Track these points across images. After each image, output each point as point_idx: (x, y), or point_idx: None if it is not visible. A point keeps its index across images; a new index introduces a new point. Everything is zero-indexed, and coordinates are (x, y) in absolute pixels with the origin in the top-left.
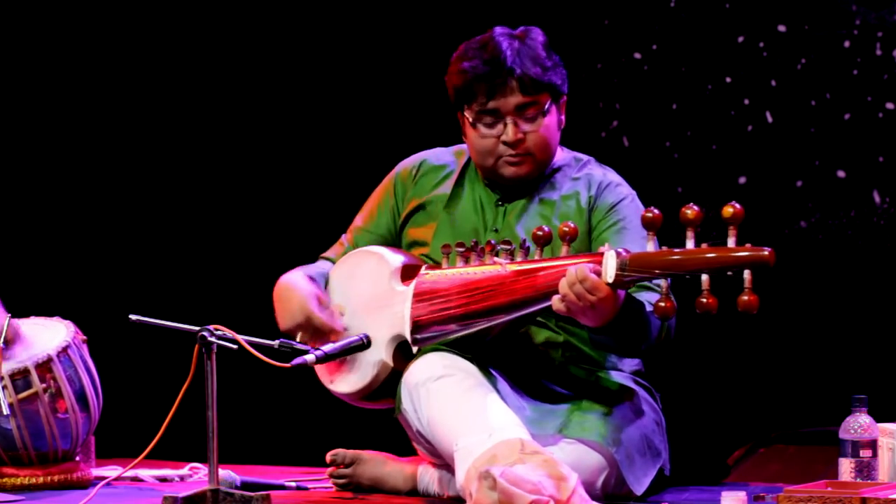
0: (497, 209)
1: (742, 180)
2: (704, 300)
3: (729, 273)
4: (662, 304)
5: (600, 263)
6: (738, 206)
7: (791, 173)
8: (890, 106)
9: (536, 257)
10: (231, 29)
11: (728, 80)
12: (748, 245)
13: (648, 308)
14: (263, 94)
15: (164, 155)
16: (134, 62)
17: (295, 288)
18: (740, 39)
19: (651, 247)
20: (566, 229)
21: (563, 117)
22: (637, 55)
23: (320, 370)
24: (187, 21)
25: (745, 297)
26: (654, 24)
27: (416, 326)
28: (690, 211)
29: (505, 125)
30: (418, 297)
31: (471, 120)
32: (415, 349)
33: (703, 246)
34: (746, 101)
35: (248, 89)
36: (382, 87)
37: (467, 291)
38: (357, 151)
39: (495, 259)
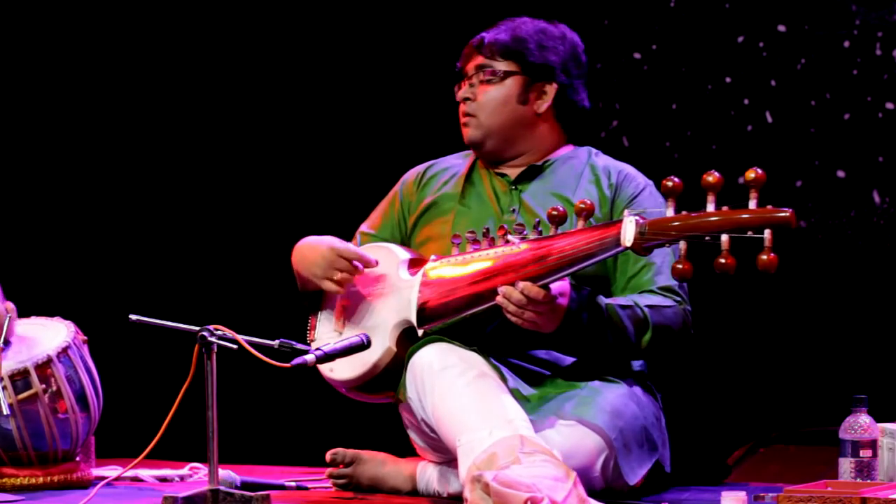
0: (512, 192)
1: (742, 180)
2: (723, 260)
3: (750, 233)
4: (680, 265)
5: (617, 232)
6: (759, 170)
7: (791, 173)
8: (890, 106)
9: (551, 234)
10: (234, 29)
11: (728, 80)
12: (769, 206)
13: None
14: (265, 96)
15: (165, 155)
16: (134, 62)
17: (313, 239)
18: (740, 39)
19: (670, 213)
20: (582, 205)
21: (539, 104)
22: (637, 55)
23: None
24: (189, 21)
25: (765, 257)
26: (654, 24)
27: (423, 310)
28: (712, 177)
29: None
30: (426, 282)
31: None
32: (420, 332)
33: (724, 209)
34: (746, 101)
35: (250, 90)
36: (389, 89)
37: (475, 273)
38: (360, 154)
39: (509, 237)
